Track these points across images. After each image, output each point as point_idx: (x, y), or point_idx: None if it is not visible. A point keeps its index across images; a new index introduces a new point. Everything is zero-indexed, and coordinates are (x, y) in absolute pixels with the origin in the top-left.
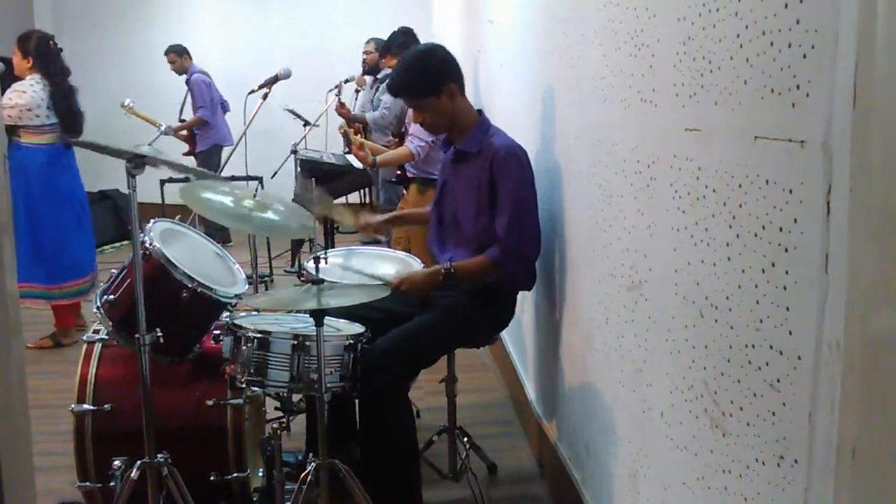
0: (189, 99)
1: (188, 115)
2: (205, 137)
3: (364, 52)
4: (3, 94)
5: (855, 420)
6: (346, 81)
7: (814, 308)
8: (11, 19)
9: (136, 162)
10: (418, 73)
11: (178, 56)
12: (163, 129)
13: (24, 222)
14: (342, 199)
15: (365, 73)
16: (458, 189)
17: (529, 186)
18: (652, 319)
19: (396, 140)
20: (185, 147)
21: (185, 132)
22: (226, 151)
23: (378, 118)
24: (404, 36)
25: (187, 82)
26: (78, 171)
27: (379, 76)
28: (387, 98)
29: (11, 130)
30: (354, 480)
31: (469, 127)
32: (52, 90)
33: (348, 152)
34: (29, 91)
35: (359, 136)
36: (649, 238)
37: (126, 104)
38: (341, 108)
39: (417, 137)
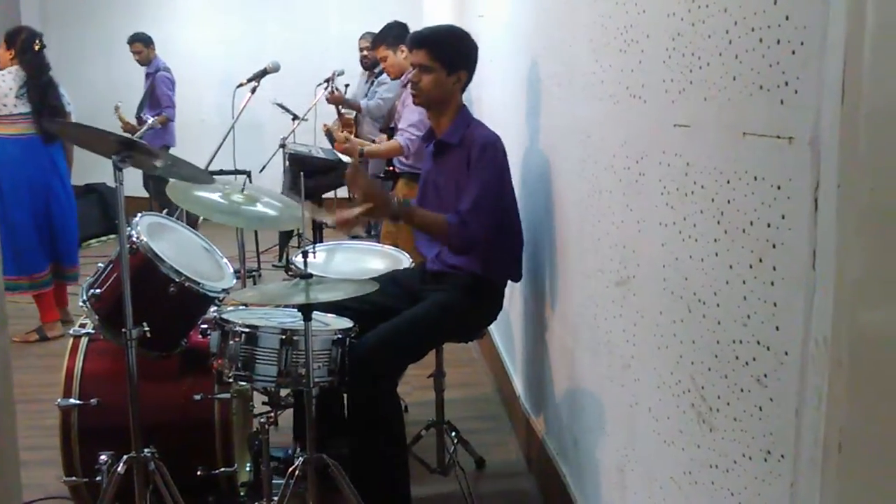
0: (150, 95)
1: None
2: (156, 138)
3: (363, 49)
4: None
5: (841, 415)
6: (339, 74)
7: (801, 304)
8: None
9: (124, 154)
10: (451, 43)
11: (145, 46)
12: (150, 122)
13: None
14: (330, 194)
15: (365, 68)
16: (439, 181)
17: (499, 179)
18: (640, 314)
19: (386, 136)
20: None
21: (131, 128)
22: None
23: (373, 107)
24: (398, 28)
25: (149, 75)
26: (59, 163)
27: (376, 70)
28: (383, 90)
29: None
30: (342, 475)
31: (451, 119)
32: (28, 82)
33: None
34: None
35: (345, 132)
36: (637, 233)
37: (117, 105)
38: (332, 95)
39: (407, 131)
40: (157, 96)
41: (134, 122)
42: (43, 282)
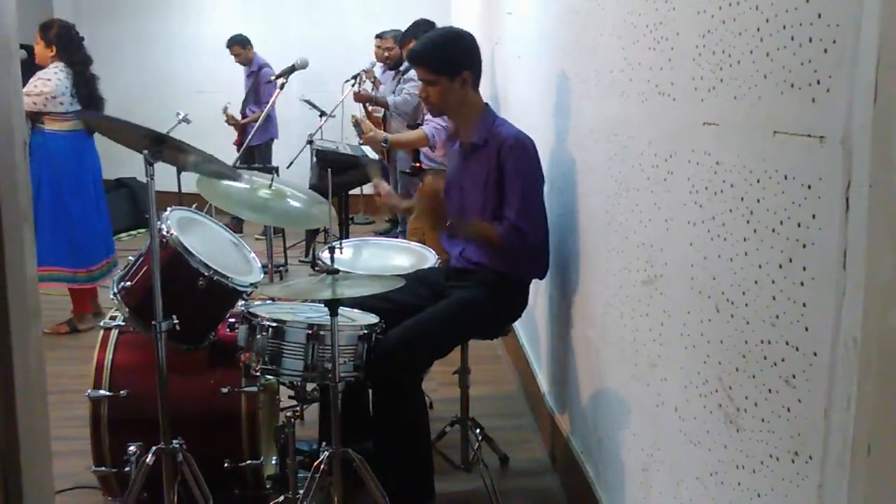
0: (254, 91)
1: (248, 106)
2: (263, 132)
3: (384, 49)
4: (25, 81)
5: (871, 417)
6: (366, 72)
7: (831, 304)
8: (31, 8)
9: (154, 149)
10: (443, 51)
11: (242, 48)
12: (181, 117)
13: (48, 207)
14: (356, 190)
15: (389, 69)
16: (465, 181)
17: (537, 175)
18: (667, 314)
19: None
20: (224, 137)
21: (236, 122)
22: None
23: (399, 102)
24: (427, 25)
25: (252, 73)
26: (98, 156)
27: (402, 69)
28: (409, 86)
29: (35, 118)
30: (367, 469)
31: (474, 118)
32: (75, 78)
33: (363, 143)
34: (53, 79)
35: (370, 125)
36: (665, 232)
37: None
38: (359, 94)
39: (433, 121)
40: (261, 93)
41: (238, 117)
42: (100, 273)
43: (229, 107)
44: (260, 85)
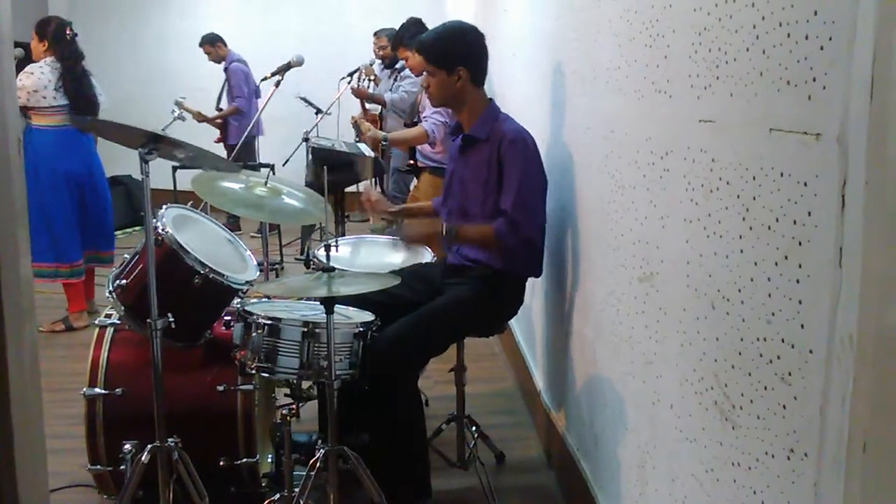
0: (226, 87)
1: (222, 103)
2: (241, 129)
3: (378, 48)
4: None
5: (866, 414)
6: (364, 68)
7: (827, 302)
8: (27, 6)
9: (150, 147)
10: (442, 44)
11: (212, 46)
12: (176, 114)
13: (29, 202)
14: (352, 188)
15: (385, 67)
16: (466, 176)
17: (536, 171)
18: (663, 311)
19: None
20: (213, 135)
21: (218, 120)
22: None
23: (397, 100)
24: (415, 27)
25: (225, 70)
26: (93, 154)
27: (397, 66)
28: (407, 84)
29: (23, 113)
30: (363, 467)
31: (478, 114)
32: (63, 73)
33: (359, 141)
34: (36, 73)
35: (368, 124)
36: (661, 229)
37: (180, 101)
38: (357, 90)
39: (431, 118)
40: (231, 87)
41: (200, 111)
42: (79, 270)
43: (184, 101)
44: (231, 80)
